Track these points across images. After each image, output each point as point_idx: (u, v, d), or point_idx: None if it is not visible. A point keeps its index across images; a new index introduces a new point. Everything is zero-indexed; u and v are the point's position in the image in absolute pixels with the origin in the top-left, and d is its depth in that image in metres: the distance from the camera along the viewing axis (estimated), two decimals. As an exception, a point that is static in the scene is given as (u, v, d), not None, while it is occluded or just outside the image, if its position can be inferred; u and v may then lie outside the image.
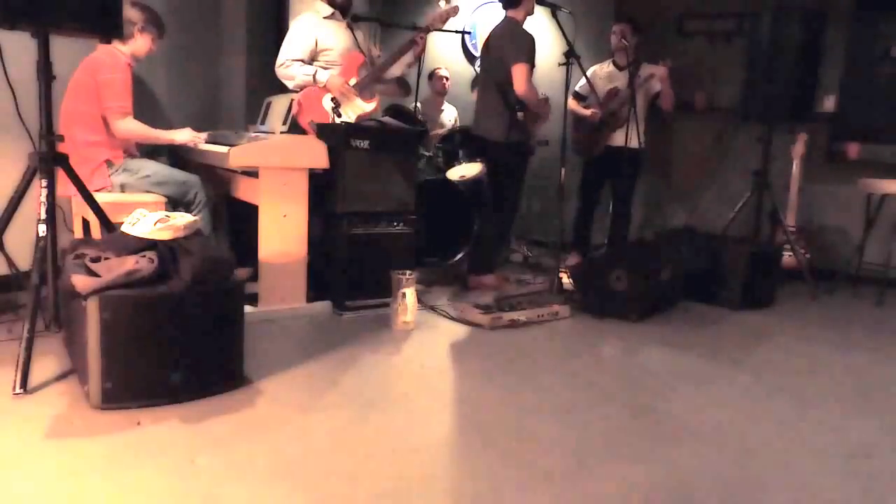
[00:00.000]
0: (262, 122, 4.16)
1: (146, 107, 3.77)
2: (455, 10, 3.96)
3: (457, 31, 5.13)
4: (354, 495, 1.76)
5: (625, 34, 4.73)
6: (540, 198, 5.76)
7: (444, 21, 3.94)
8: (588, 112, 4.80)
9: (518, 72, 3.87)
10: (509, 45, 3.94)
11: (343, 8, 3.95)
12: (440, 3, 4.02)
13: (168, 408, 2.19)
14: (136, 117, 3.38)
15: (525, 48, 3.91)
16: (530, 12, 4.06)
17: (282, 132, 3.75)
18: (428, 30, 3.94)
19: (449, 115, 5.66)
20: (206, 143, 3.60)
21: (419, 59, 4.13)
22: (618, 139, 4.74)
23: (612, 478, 1.91)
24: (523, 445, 2.09)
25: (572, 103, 4.81)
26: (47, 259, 2.51)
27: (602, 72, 4.91)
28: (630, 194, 4.87)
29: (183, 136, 3.55)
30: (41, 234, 2.49)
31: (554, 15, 4.03)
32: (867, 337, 3.63)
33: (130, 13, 3.35)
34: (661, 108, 4.86)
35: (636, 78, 4.62)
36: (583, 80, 4.65)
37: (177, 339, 2.21)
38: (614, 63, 4.94)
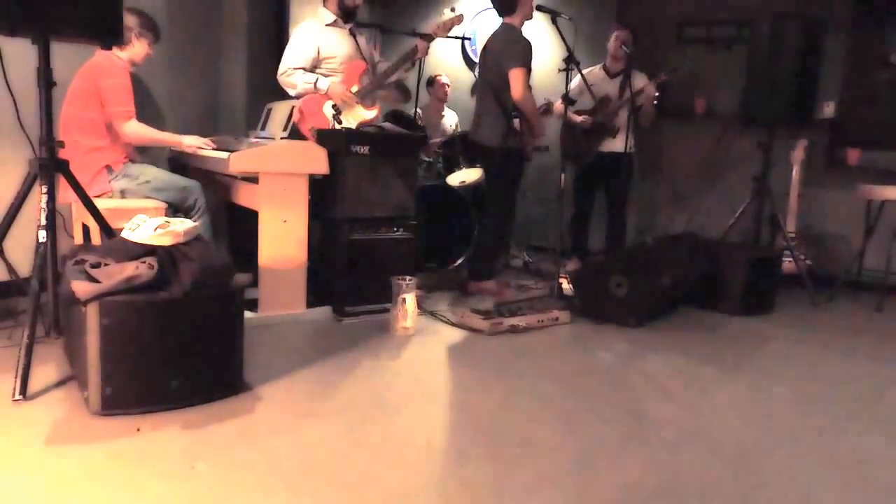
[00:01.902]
0: (263, 128, 4.17)
1: (147, 112, 3.78)
2: (460, 19, 3.97)
3: (457, 38, 5.14)
4: (354, 502, 1.75)
5: (626, 42, 4.74)
6: (539, 203, 5.76)
7: (449, 29, 3.94)
8: (580, 119, 4.81)
9: (515, 77, 3.88)
10: (506, 50, 3.95)
11: (351, 13, 3.95)
12: (446, 10, 4.02)
13: (168, 414, 2.19)
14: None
15: (521, 53, 3.92)
16: (528, 18, 4.07)
17: (282, 138, 3.75)
18: (432, 38, 3.94)
19: (449, 121, 5.67)
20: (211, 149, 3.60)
21: (415, 64, 4.13)
22: (608, 145, 4.78)
23: (611, 483, 1.91)
24: (523, 451, 2.09)
25: (561, 108, 4.81)
26: (47, 265, 2.51)
27: (591, 76, 4.89)
28: (624, 199, 4.88)
29: (191, 140, 3.57)
30: (41, 240, 2.49)
31: (553, 21, 4.04)
32: (867, 343, 3.63)
33: (126, 19, 3.36)
34: (639, 122, 4.84)
35: (628, 87, 4.64)
36: (573, 84, 4.65)
37: (176, 345, 2.21)
38: (605, 69, 4.93)
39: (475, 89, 5.21)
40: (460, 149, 4.61)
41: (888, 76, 4.89)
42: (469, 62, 6.30)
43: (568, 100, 4.44)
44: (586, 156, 4.87)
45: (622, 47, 4.74)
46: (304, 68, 3.86)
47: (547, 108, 4.92)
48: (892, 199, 4.35)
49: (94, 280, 2.16)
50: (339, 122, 3.67)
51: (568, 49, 4.06)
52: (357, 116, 3.83)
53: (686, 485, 1.93)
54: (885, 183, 4.45)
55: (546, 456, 2.06)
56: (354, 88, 3.85)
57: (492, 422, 2.32)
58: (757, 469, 2.06)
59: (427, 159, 4.83)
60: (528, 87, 3.95)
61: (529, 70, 3.95)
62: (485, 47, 4.16)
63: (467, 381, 2.77)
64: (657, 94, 4.69)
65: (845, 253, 4.97)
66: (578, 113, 4.85)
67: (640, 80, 4.74)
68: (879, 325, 4.06)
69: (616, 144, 4.72)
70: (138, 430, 2.08)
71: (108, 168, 3.35)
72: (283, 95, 4.10)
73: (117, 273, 2.15)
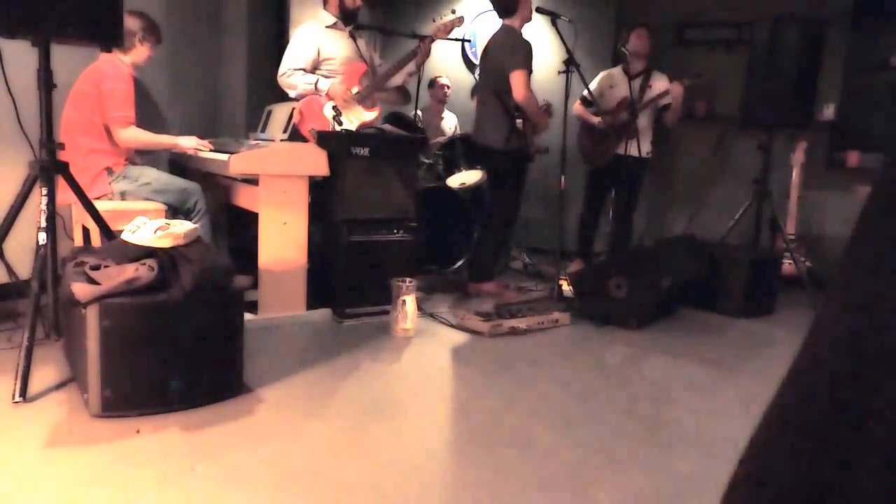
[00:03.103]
0: (263, 130, 4.17)
1: (148, 115, 3.78)
2: (460, 21, 3.97)
3: (457, 40, 5.14)
4: (354, 503, 1.75)
5: (644, 38, 4.73)
6: (540, 205, 5.77)
7: (449, 31, 3.95)
8: (596, 120, 4.76)
9: (517, 78, 3.89)
10: (507, 52, 3.95)
11: (351, 15, 3.95)
12: (446, 13, 4.02)
13: (168, 416, 2.18)
14: (138, 126, 3.39)
15: (522, 55, 3.92)
16: (527, 20, 4.07)
17: (282, 140, 3.76)
18: (432, 39, 3.95)
19: (449, 123, 5.67)
20: (209, 150, 3.61)
21: (420, 67, 4.14)
22: (630, 149, 4.72)
23: (611, 486, 1.90)
24: (523, 453, 2.08)
25: (579, 108, 4.83)
26: (47, 267, 2.51)
27: (609, 78, 4.88)
28: (634, 203, 4.87)
29: (188, 142, 3.57)
30: (41, 243, 2.49)
31: (553, 23, 4.04)
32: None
33: (129, 23, 3.36)
34: (666, 122, 4.82)
35: (647, 89, 4.63)
36: (593, 85, 4.68)
37: (176, 347, 2.21)
38: (625, 69, 4.86)
39: (475, 91, 5.21)
40: (460, 151, 4.61)
41: (888, 78, 4.89)
42: (469, 64, 6.30)
43: (585, 101, 4.42)
44: (603, 157, 4.84)
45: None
46: (303, 69, 3.86)
47: (546, 109, 4.92)
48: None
49: (93, 282, 2.16)
50: (340, 124, 3.67)
51: (568, 51, 4.06)
52: (357, 118, 3.83)
53: (686, 487, 1.93)
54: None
55: (546, 458, 2.06)
56: (355, 90, 3.86)
57: (492, 424, 2.32)
58: (757, 471, 2.05)
59: (427, 161, 4.84)
60: (530, 88, 3.95)
61: (530, 71, 3.96)
62: (485, 49, 4.16)
63: (467, 382, 2.77)
64: (683, 95, 4.65)
65: (845, 255, 4.97)
66: (595, 114, 4.82)
67: (660, 82, 4.71)
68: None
69: (633, 149, 4.64)
70: (138, 431, 2.07)
71: (109, 170, 3.35)
72: (283, 97, 4.10)
73: (117, 275, 2.15)
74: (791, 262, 4.67)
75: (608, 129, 4.72)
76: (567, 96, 4.17)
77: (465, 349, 3.19)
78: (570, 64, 4.09)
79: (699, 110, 5.48)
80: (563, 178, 4.12)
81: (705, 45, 5.44)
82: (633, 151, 4.58)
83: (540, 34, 5.45)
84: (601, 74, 4.93)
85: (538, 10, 4.05)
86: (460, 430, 2.31)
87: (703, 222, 5.41)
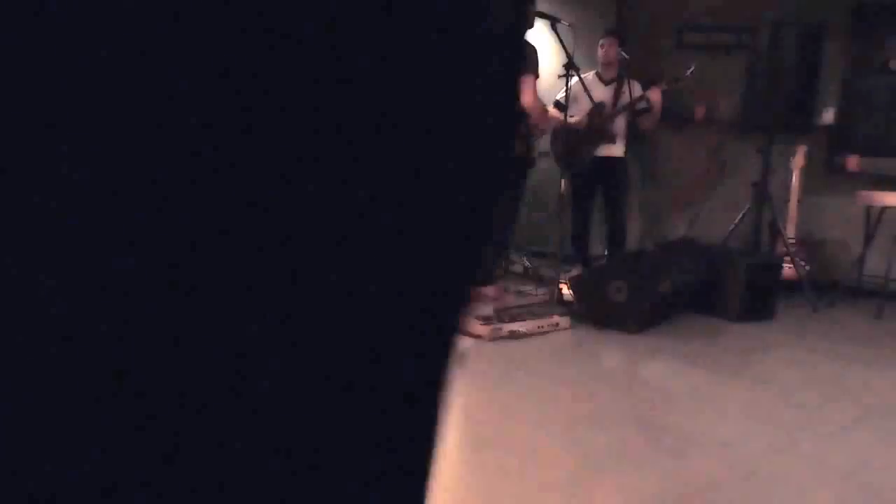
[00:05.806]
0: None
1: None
2: None
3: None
4: (353, 508, 1.74)
5: (613, 47, 4.71)
6: (540, 208, 5.77)
7: None
8: (574, 119, 4.70)
9: (523, 84, 3.86)
10: None
11: None
12: None
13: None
14: None
15: (528, 60, 3.90)
16: (529, 25, 4.06)
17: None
18: None
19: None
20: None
21: None
22: (605, 150, 4.71)
23: (612, 490, 1.90)
24: (523, 457, 2.08)
25: (554, 112, 4.72)
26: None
27: (585, 82, 4.84)
28: (622, 203, 4.85)
29: None
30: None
31: (553, 27, 4.04)
32: (867, 349, 3.63)
33: None
34: (642, 126, 4.80)
35: (622, 94, 4.62)
36: (561, 94, 4.62)
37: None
38: (598, 75, 4.86)
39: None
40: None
41: (887, 82, 4.90)
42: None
43: (560, 106, 4.42)
44: (581, 162, 4.81)
45: (619, 52, 4.73)
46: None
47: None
48: (892, 206, 4.36)
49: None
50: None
51: (568, 55, 4.06)
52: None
53: (687, 491, 1.93)
54: (885, 189, 4.46)
55: (546, 462, 2.06)
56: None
57: (491, 428, 2.31)
58: (758, 475, 2.05)
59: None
60: (536, 94, 3.88)
61: (537, 76, 3.89)
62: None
63: (466, 386, 2.77)
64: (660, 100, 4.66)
65: (845, 259, 4.98)
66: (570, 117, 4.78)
67: (635, 88, 4.70)
68: (879, 331, 4.06)
69: (613, 149, 4.68)
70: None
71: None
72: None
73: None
74: (791, 265, 4.67)
75: (581, 133, 4.69)
76: (558, 101, 4.18)
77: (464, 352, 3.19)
78: (570, 68, 4.09)
79: (699, 114, 5.49)
80: (562, 181, 4.12)
81: (705, 49, 5.44)
82: (613, 152, 4.61)
83: (540, 38, 5.46)
84: (574, 78, 4.82)
85: (538, 14, 4.04)
86: (459, 433, 2.30)
87: (702, 226, 5.41)
